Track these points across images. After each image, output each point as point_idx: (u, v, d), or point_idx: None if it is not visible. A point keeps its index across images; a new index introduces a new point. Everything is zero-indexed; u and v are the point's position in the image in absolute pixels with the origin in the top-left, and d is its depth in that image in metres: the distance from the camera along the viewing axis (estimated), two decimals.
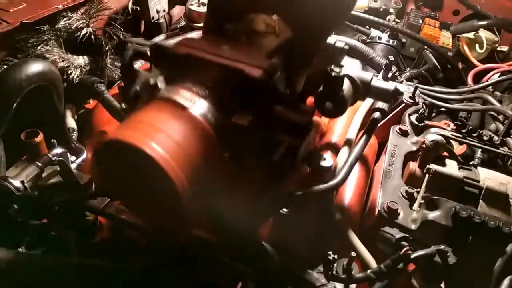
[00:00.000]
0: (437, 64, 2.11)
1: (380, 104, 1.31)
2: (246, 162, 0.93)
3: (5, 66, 1.31)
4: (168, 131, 0.78)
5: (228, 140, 0.88)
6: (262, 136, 0.92)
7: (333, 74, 1.07)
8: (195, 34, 1.25)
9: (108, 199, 1.18)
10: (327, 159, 1.20)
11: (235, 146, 0.91)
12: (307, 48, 1.07)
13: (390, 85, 1.26)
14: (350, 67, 1.32)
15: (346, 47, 1.25)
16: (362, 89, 1.23)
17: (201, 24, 1.85)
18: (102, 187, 1.07)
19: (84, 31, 1.54)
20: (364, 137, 1.24)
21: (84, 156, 1.33)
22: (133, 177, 0.80)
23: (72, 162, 1.28)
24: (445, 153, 1.37)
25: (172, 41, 0.98)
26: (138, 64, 1.59)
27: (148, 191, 0.80)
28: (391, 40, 2.20)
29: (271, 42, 1.00)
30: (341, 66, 1.10)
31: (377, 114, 1.30)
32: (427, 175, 1.26)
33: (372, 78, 1.25)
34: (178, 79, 0.91)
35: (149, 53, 1.03)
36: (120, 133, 0.76)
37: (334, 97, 1.14)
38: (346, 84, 1.18)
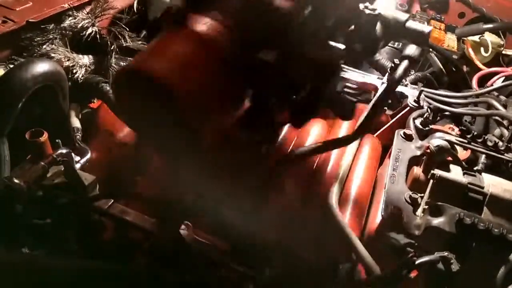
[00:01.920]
0: (442, 67, 2.11)
1: (410, 51, 1.13)
2: (266, 103, 0.89)
3: (10, 65, 1.31)
4: (176, 54, 0.78)
5: (252, 77, 0.84)
6: (287, 76, 0.86)
7: (367, 12, 0.97)
8: None
9: (112, 200, 1.19)
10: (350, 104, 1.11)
11: (258, 84, 0.86)
12: None
13: (426, 28, 1.09)
14: (384, 4, 1.13)
15: None
16: (395, 30, 1.07)
17: None
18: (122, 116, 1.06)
19: (89, 31, 1.54)
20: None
21: (88, 156, 1.33)
22: (147, 105, 0.80)
23: (77, 162, 1.28)
24: (450, 158, 1.36)
25: None
26: None
27: (161, 114, 0.80)
28: (395, 43, 2.19)
29: None
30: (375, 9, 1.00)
31: (405, 63, 1.13)
32: (431, 181, 1.26)
33: (407, 19, 1.09)
34: (201, 5, 0.87)
35: None
36: (132, 63, 0.79)
37: (365, 38, 1.02)
38: (378, 24, 1.04)
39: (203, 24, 0.81)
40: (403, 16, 1.09)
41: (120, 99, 0.86)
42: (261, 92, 0.87)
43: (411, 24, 1.10)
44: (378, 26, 1.05)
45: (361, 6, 0.98)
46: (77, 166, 1.28)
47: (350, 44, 1.00)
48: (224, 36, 0.80)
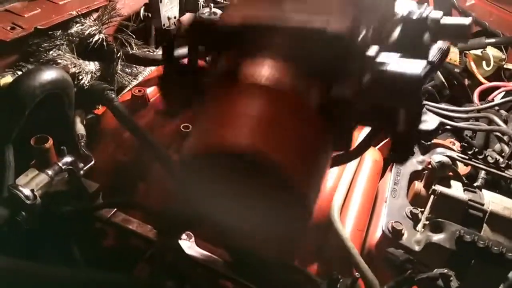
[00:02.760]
0: (444, 81, 2.12)
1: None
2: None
3: (18, 71, 1.32)
4: (273, 122, 0.63)
5: (331, 118, 0.70)
6: (373, 106, 0.74)
7: (414, 17, 0.83)
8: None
9: (115, 209, 1.20)
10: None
11: (341, 123, 0.73)
12: None
13: (466, 20, 0.91)
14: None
15: None
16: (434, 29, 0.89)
17: None
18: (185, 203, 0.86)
19: (96, 38, 1.55)
20: None
21: (92, 163, 1.34)
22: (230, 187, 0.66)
23: (80, 169, 1.29)
24: (451, 173, 1.38)
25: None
26: None
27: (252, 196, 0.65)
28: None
29: None
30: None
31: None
32: (432, 196, 1.27)
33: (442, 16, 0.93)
34: (237, 56, 0.73)
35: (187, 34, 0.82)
36: (220, 136, 0.62)
37: (413, 45, 0.85)
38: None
39: (267, 72, 0.67)
40: (438, 14, 0.91)
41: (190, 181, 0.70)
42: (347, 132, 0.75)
43: (447, 20, 0.92)
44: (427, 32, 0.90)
45: (404, 12, 0.85)
46: (81, 173, 1.29)
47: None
48: (294, 80, 0.67)
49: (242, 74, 0.69)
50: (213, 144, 0.62)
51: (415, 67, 0.70)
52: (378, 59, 0.73)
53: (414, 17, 0.83)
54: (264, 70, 0.68)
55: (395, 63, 0.71)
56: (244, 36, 0.74)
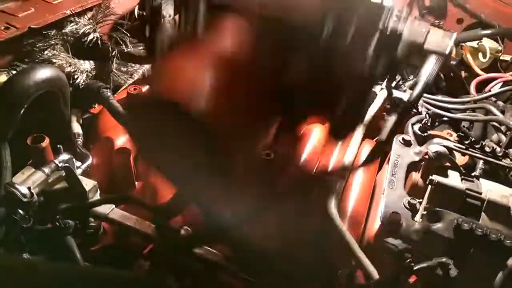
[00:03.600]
0: (440, 73, 2.12)
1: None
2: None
3: (13, 71, 1.32)
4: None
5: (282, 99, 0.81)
6: (319, 95, 0.84)
7: (388, 32, 0.93)
8: None
9: (113, 206, 1.20)
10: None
11: (289, 106, 0.83)
12: None
13: (445, 47, 1.09)
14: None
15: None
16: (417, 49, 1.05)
17: None
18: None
19: (91, 36, 1.56)
20: None
21: (89, 161, 1.34)
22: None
23: (78, 167, 1.29)
24: (448, 164, 1.38)
25: None
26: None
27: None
28: None
29: None
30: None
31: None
32: (429, 186, 1.27)
33: (428, 32, 1.08)
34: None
35: None
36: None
37: (387, 59, 0.99)
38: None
39: (224, 41, 0.78)
40: (421, 37, 1.06)
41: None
42: (292, 114, 0.85)
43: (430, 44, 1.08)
44: (400, 47, 1.02)
45: (380, 25, 0.94)
46: (78, 171, 1.29)
47: (374, 64, 0.99)
48: (248, 56, 0.77)
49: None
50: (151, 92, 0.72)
51: None
52: None
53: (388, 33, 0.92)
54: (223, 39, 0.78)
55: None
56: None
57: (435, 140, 1.45)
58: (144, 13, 1.91)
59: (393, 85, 1.74)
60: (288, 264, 1.10)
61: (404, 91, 1.80)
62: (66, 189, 1.19)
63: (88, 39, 1.55)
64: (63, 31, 1.55)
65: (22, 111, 1.18)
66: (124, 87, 1.70)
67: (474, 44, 2.37)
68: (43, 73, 1.19)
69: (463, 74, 2.37)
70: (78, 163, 1.31)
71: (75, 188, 1.18)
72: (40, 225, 1.13)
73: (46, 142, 1.22)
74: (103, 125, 1.48)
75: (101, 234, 1.20)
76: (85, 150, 1.37)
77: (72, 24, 1.56)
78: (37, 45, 1.48)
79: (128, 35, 1.67)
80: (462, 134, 1.40)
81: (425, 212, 1.23)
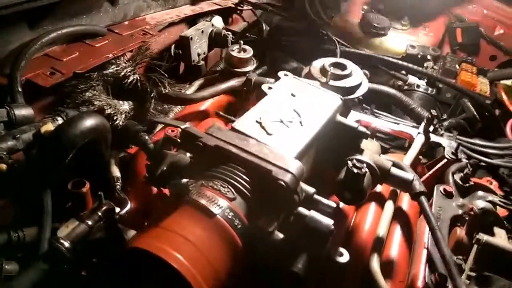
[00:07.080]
0: (475, 114, 2.08)
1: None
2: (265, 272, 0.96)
3: (57, 117, 1.34)
4: (194, 241, 0.85)
5: (251, 245, 0.91)
6: (285, 243, 0.92)
7: (355, 171, 1.13)
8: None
9: None
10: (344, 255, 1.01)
11: (257, 252, 0.93)
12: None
13: (409, 175, 1.28)
14: (369, 147, 1.34)
15: (368, 132, 1.27)
16: (381, 176, 1.27)
17: (241, 70, 1.88)
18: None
19: (131, 78, 1.57)
20: None
21: (128, 207, 1.34)
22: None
23: (117, 214, 1.29)
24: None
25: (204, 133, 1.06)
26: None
27: None
28: (429, 89, 2.18)
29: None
30: (363, 162, 1.18)
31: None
32: (475, 245, 1.23)
33: (391, 167, 1.28)
34: (205, 168, 1.01)
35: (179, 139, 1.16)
36: (145, 242, 0.85)
37: (353, 189, 1.18)
38: (367, 175, 1.19)
39: (209, 201, 0.92)
40: (387, 163, 1.27)
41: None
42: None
43: (395, 171, 1.29)
44: (367, 177, 1.20)
45: (350, 163, 1.15)
46: (117, 217, 1.29)
47: (341, 192, 1.20)
48: (228, 212, 0.91)
49: (192, 192, 0.94)
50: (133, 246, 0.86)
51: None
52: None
53: (355, 171, 1.12)
54: (208, 194, 0.91)
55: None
56: (212, 154, 1.00)
57: (479, 193, 1.41)
58: (180, 52, 1.95)
59: (430, 129, 1.70)
60: None
61: (441, 135, 1.77)
62: (106, 238, 1.19)
63: (128, 81, 1.57)
64: (104, 72, 1.58)
65: (68, 160, 1.19)
66: (161, 127, 1.71)
67: (509, 82, 2.33)
68: (89, 122, 1.20)
69: (497, 112, 2.32)
70: (117, 209, 1.31)
71: (115, 238, 1.17)
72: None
73: (86, 187, 1.22)
74: (140, 169, 1.48)
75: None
76: (124, 195, 1.37)
77: (113, 66, 1.59)
78: (79, 87, 1.51)
79: (166, 75, 1.69)
80: (508, 190, 1.36)
81: (471, 273, 1.18)
